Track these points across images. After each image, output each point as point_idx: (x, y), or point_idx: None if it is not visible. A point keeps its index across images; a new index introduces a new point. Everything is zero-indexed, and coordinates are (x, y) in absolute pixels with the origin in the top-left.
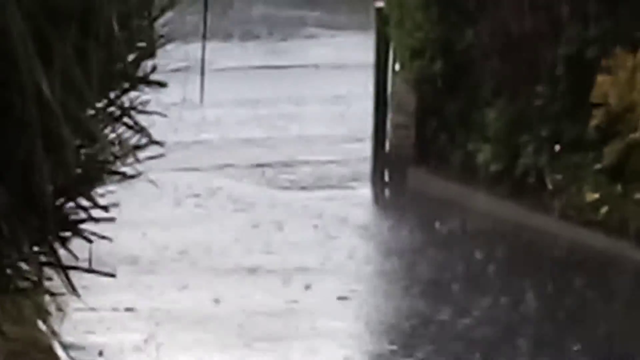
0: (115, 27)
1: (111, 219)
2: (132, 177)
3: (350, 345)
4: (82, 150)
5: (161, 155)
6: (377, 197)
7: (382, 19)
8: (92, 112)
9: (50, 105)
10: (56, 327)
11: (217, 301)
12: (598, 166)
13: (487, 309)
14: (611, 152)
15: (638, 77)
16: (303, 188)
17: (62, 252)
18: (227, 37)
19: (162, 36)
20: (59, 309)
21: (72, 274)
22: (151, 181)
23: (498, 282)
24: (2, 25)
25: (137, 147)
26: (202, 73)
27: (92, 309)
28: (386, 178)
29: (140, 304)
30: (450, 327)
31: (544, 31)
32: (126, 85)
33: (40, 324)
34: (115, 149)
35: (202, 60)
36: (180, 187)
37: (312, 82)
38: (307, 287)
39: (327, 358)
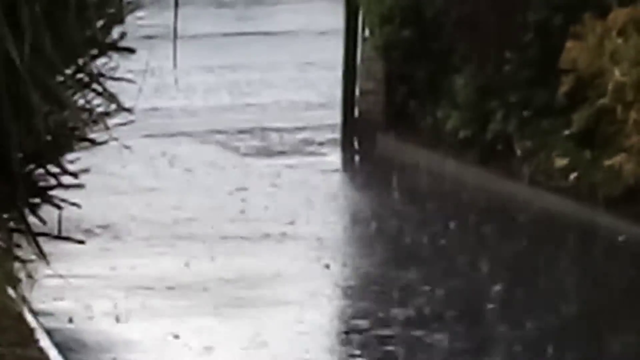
0: None
1: (81, 186)
2: (101, 143)
3: (319, 311)
4: (51, 117)
5: (131, 122)
6: (347, 164)
7: None
8: (61, 78)
9: (19, 71)
10: (26, 294)
11: (187, 267)
12: (567, 132)
13: (455, 273)
14: (580, 118)
15: (607, 43)
16: (272, 154)
17: (31, 218)
18: (197, 3)
19: (131, 2)
20: (29, 276)
21: (42, 241)
22: (126, 147)
23: (467, 248)
24: None
25: (107, 114)
26: (175, 39)
27: (62, 276)
28: (355, 144)
29: (110, 271)
30: (418, 291)
31: None
32: (95, 51)
33: (9, 290)
34: (85, 115)
35: (175, 26)
36: (151, 153)
37: (282, 49)
38: (278, 253)
39: (297, 324)
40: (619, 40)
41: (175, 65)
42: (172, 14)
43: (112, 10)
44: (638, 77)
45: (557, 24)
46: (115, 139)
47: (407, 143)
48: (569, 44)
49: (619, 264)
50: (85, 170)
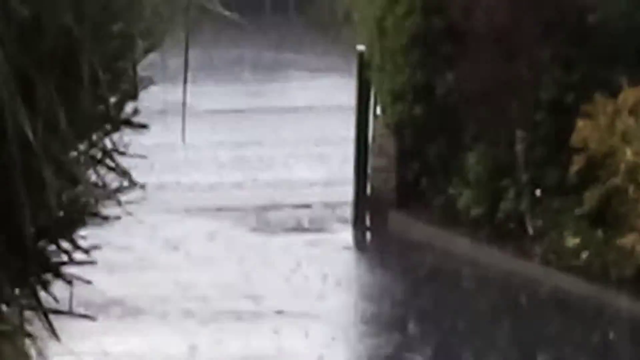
0: (99, 70)
1: (92, 262)
2: (113, 219)
3: None
4: (64, 193)
5: (143, 198)
6: (359, 241)
7: (363, 63)
8: (74, 154)
9: (33, 147)
10: None
11: (195, 346)
12: (579, 211)
13: (466, 355)
14: (592, 197)
15: (618, 122)
16: (284, 231)
17: (43, 294)
18: (210, 79)
19: (144, 78)
20: (40, 353)
21: (53, 317)
22: (139, 222)
23: (477, 328)
24: None
25: (119, 190)
26: (184, 115)
27: (73, 354)
28: (367, 222)
29: (120, 348)
30: None
31: (524, 76)
32: (108, 127)
33: None
34: (97, 191)
35: (184, 102)
36: (161, 229)
37: (294, 125)
38: (289, 332)
39: None
40: (630, 120)
41: (184, 140)
42: (186, 90)
43: (125, 87)
44: None
45: (568, 103)
46: (129, 214)
47: (419, 220)
48: (580, 123)
49: (632, 343)
50: (97, 247)
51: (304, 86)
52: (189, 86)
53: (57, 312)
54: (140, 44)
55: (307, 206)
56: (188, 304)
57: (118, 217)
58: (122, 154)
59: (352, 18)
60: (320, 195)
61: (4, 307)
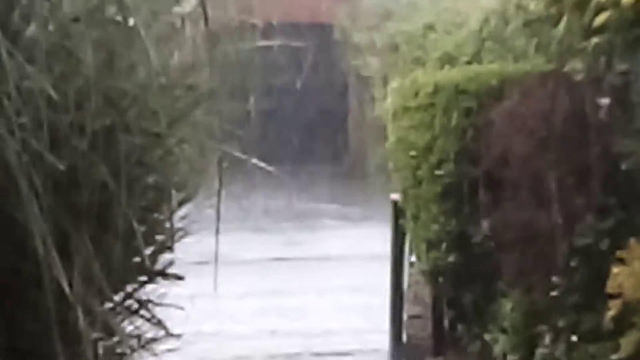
0: (133, 221)
1: None
2: None
3: None
4: (100, 344)
5: (178, 348)
6: None
7: (397, 212)
8: (109, 305)
9: (68, 298)
10: None
11: None
12: (615, 357)
13: None
14: (628, 343)
15: None
16: None
17: None
18: (244, 229)
19: (179, 229)
20: None
21: None
22: None
23: None
24: (22, 222)
25: (154, 340)
26: (216, 265)
27: None
28: None
29: None
30: None
31: (558, 223)
32: (144, 278)
33: None
34: (133, 341)
35: (216, 252)
36: None
37: (329, 274)
38: None
39: None
40: None
41: (215, 289)
42: (221, 240)
43: (160, 238)
44: None
45: (602, 249)
46: None
47: None
48: (615, 269)
49: None
50: None
51: (338, 235)
52: (223, 236)
53: None
54: (175, 196)
55: (343, 354)
56: None
57: None
58: (158, 304)
59: (386, 168)
60: (355, 343)
61: None
